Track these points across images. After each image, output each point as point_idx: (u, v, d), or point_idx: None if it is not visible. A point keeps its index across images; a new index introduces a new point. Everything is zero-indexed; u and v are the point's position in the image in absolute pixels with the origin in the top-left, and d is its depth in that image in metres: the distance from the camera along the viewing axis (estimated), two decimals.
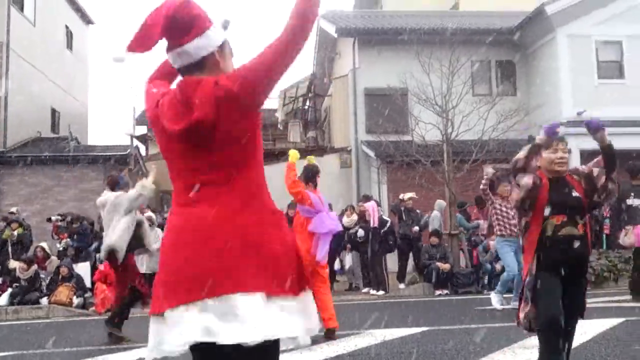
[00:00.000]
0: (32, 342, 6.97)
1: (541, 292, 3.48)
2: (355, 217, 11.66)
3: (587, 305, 3.73)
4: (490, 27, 16.39)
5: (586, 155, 11.72)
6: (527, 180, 3.52)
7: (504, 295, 8.28)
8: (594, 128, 3.49)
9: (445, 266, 11.01)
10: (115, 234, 6.41)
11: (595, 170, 3.61)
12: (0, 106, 16.24)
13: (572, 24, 15.79)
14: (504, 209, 8.18)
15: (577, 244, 3.47)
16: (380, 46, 16.25)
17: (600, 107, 14.90)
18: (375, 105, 16.07)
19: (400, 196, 12.19)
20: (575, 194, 3.55)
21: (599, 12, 15.90)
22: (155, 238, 9.04)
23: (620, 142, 15.64)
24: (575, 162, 12.77)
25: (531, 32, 16.44)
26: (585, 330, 5.30)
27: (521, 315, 3.61)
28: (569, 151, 3.73)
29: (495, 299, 8.21)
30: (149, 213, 10.86)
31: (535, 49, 16.78)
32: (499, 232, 8.24)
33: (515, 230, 8.00)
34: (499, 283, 8.38)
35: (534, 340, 5.50)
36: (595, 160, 3.71)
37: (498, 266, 10.45)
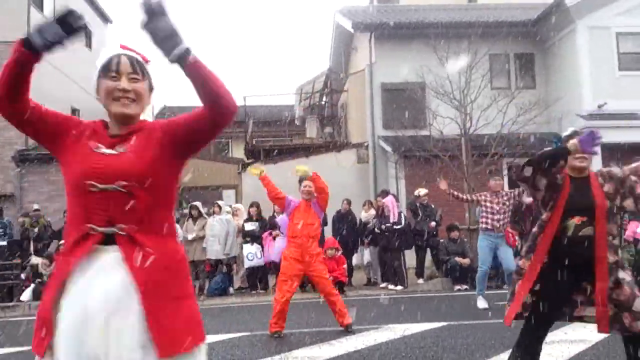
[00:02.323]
0: None
1: (547, 291, 3.48)
2: (373, 212, 11.65)
3: None
4: (508, 19, 16.23)
5: (606, 149, 11.54)
6: (527, 200, 3.54)
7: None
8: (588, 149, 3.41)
9: (465, 261, 10.95)
10: None
11: (633, 178, 3.49)
12: None
13: (592, 15, 15.56)
14: (488, 204, 8.09)
15: (592, 245, 3.42)
16: (397, 40, 16.17)
17: (621, 99, 14.72)
18: (392, 100, 15.99)
19: (416, 192, 12.14)
20: (593, 195, 3.48)
21: (619, 3, 15.65)
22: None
23: None
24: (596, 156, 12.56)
25: (550, 24, 16.23)
26: None
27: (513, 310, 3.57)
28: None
29: (479, 302, 8.06)
30: None
31: (555, 41, 16.57)
32: (482, 226, 8.17)
33: (498, 225, 8.00)
34: (477, 283, 8.24)
35: (554, 336, 5.47)
36: (635, 165, 3.59)
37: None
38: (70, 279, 1.85)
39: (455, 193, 8.51)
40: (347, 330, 6.11)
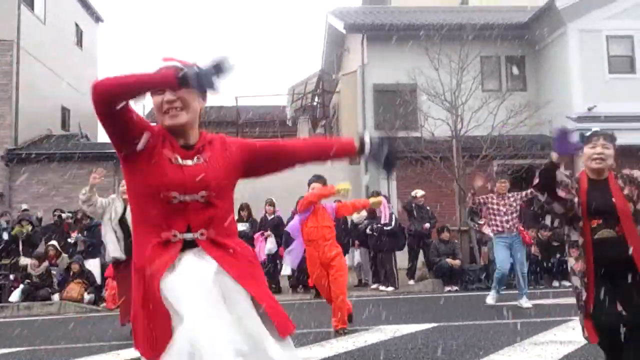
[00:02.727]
0: (43, 337, 7.02)
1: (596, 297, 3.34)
2: (364, 213, 11.64)
3: None
4: (500, 22, 16.29)
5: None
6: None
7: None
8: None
9: (456, 262, 10.98)
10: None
11: None
12: (12, 104, 16.36)
13: (583, 18, 15.67)
14: (494, 205, 8.05)
15: (613, 247, 3.29)
16: (389, 42, 16.20)
17: (611, 102, 14.83)
18: (383, 101, 16.01)
19: (413, 193, 12.16)
20: (612, 199, 3.35)
21: (609, 7, 15.77)
22: None
23: (631, 138, 15.66)
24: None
25: (541, 27, 16.32)
26: None
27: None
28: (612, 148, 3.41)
29: (490, 298, 8.18)
30: None
31: (546, 44, 16.67)
32: (493, 229, 8.14)
33: (507, 226, 7.96)
34: (494, 282, 8.27)
35: (544, 337, 5.50)
36: None
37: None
38: (162, 280, 1.88)
39: (476, 198, 8.30)
40: (338, 333, 6.09)
